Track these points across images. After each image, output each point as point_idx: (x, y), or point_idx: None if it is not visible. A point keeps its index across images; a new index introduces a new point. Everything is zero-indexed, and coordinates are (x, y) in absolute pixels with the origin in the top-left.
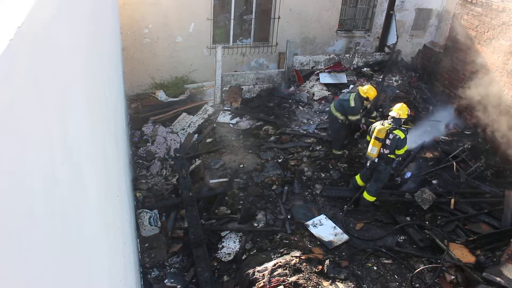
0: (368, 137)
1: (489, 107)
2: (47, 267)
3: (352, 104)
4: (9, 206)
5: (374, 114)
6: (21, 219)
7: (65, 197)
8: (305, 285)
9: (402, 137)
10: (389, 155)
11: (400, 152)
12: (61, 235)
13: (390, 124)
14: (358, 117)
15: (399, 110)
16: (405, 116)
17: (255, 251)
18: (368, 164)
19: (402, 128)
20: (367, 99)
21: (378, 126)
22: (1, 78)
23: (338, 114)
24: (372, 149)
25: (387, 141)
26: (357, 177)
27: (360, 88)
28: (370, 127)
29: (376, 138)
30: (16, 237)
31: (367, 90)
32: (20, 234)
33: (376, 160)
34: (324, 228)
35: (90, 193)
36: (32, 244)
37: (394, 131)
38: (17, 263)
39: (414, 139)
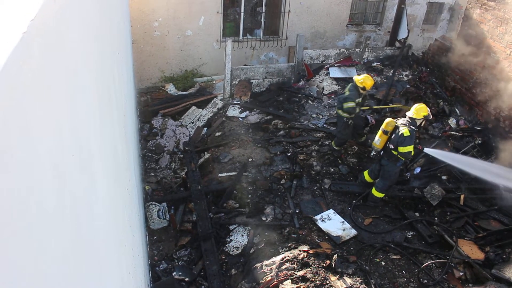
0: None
1: (501, 102)
2: (58, 259)
3: (347, 93)
4: (20, 199)
5: (366, 102)
6: (32, 211)
7: (75, 189)
8: (313, 279)
9: (405, 135)
10: (392, 151)
11: (403, 150)
12: (71, 227)
13: (403, 122)
14: (351, 104)
15: (414, 110)
16: (419, 117)
17: (263, 245)
18: (372, 154)
19: (411, 127)
20: (363, 88)
21: (387, 120)
22: (15, 70)
23: (340, 112)
24: (377, 139)
25: (393, 136)
26: (365, 173)
27: (355, 77)
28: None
29: (384, 131)
30: (27, 229)
31: (364, 80)
32: (31, 226)
33: (381, 153)
34: (332, 223)
35: (100, 185)
36: (43, 236)
37: (401, 127)
38: (30, 255)
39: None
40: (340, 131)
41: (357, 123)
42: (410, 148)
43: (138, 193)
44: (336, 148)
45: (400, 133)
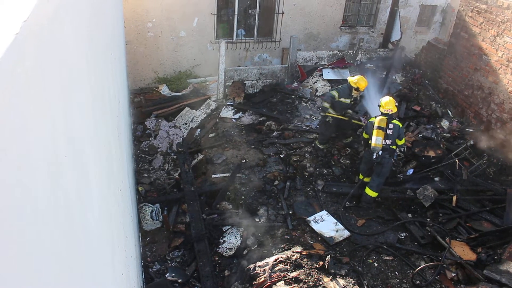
0: (364, 134)
1: (493, 104)
2: (51, 259)
3: (334, 92)
4: (14, 200)
5: (358, 114)
6: (26, 212)
7: (68, 190)
8: (306, 280)
9: (401, 126)
10: (391, 146)
11: (401, 142)
12: (65, 228)
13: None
14: (326, 105)
15: (388, 106)
16: (396, 110)
17: (256, 246)
18: (375, 157)
19: (397, 118)
20: (357, 89)
21: (379, 117)
22: (8, 71)
23: (326, 104)
24: (377, 139)
25: (388, 131)
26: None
27: (349, 78)
28: (366, 124)
29: (379, 128)
30: (21, 230)
31: (357, 80)
32: (25, 227)
33: (381, 152)
34: (326, 224)
35: (93, 186)
36: (36, 237)
37: (392, 121)
38: (23, 256)
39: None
40: (323, 125)
41: (341, 124)
42: (405, 139)
43: (131, 194)
44: (320, 146)
45: (397, 126)
